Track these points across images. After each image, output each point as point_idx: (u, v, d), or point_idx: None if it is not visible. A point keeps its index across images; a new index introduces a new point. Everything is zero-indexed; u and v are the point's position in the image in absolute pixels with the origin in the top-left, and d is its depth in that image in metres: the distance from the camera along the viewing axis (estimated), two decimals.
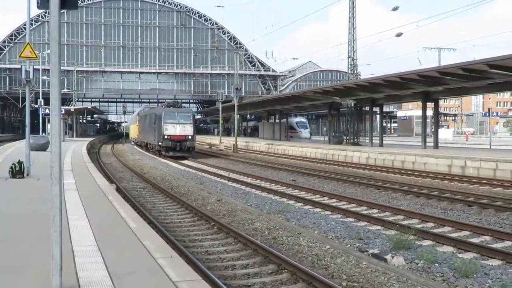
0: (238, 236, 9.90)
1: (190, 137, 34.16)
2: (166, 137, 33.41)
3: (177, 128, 33.81)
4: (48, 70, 4.59)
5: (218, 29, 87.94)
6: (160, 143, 34.01)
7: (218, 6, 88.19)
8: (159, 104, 53.86)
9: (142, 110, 49.58)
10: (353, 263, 8.03)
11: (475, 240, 10.01)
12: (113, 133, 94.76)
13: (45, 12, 73.45)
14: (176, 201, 14.96)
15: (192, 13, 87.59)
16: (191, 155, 34.88)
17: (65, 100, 75.33)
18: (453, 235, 10.43)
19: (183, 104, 51.17)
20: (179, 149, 33.60)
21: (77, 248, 6.66)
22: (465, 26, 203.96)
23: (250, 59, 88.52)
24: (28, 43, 15.07)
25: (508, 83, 24.19)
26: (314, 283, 7.05)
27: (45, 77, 47.08)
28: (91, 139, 52.57)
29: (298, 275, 7.47)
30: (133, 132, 56.44)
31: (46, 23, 76.42)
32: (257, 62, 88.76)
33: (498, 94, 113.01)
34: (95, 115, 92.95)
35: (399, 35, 42.67)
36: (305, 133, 64.07)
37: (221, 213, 13.00)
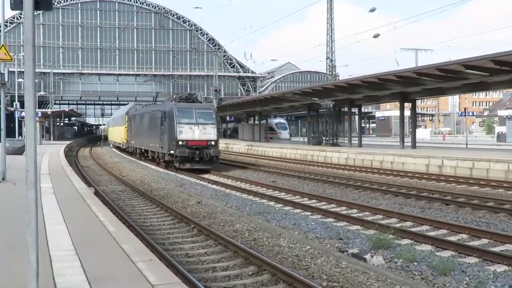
0: (218, 238, 9.87)
1: (213, 143, 25.43)
2: (180, 143, 24.71)
3: (196, 130, 25.21)
4: (24, 72, 4.51)
5: (197, 30, 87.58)
6: (171, 151, 25.17)
7: (196, 8, 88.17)
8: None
9: (132, 108, 40.57)
10: (333, 263, 8.07)
11: (453, 238, 10.15)
12: (91, 136, 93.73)
13: (20, 14, 72.44)
14: (156, 203, 14.86)
15: (170, 15, 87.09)
16: (213, 167, 25.99)
17: (41, 103, 74.14)
18: (431, 233, 10.56)
19: None
20: (198, 159, 24.90)
21: (54, 253, 6.56)
22: (441, 27, 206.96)
23: (229, 61, 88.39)
24: (2, 45, 14.83)
25: (483, 83, 24.60)
26: (295, 283, 7.07)
27: (20, 80, 46.32)
28: (68, 142, 51.94)
29: (278, 276, 7.48)
30: (117, 135, 47.44)
31: (21, 24, 75.24)
32: (236, 64, 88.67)
33: (474, 94, 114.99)
34: (72, 118, 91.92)
35: (376, 36, 43.12)
36: (285, 134, 64.26)
37: (201, 215, 12.95)
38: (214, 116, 26.39)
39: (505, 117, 65.58)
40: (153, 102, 36.89)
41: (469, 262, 8.34)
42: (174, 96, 30.37)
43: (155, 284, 5.28)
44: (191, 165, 24.90)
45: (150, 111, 30.77)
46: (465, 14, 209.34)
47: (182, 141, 24.82)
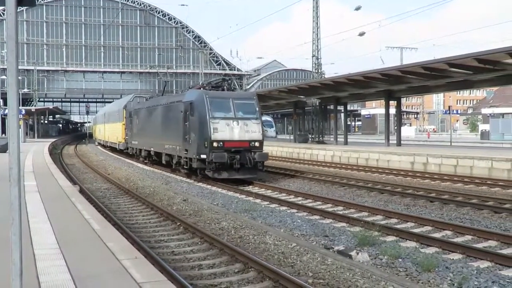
0: (204, 236, 9.86)
1: (257, 144, 19.38)
2: (215, 144, 18.66)
3: (235, 127, 19.15)
4: (7, 69, 4.46)
5: (182, 28, 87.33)
6: (202, 156, 18.88)
7: (182, 5, 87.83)
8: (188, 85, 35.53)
9: (132, 101, 33.54)
10: (319, 260, 8.10)
11: (437, 235, 10.24)
12: (76, 134, 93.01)
13: (3, 10, 71.59)
14: (142, 201, 14.79)
15: (156, 12, 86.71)
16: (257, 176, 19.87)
17: (25, 100, 73.44)
18: (416, 230, 10.64)
19: None
20: (239, 166, 18.78)
21: (38, 252, 6.50)
22: (426, 26, 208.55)
23: (215, 58, 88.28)
24: None
25: (467, 81, 24.86)
26: (281, 281, 7.08)
27: (3, 77, 45.82)
28: (53, 140, 51.43)
29: (264, 273, 7.49)
30: (111, 134, 40.33)
31: (4, 21, 74.34)
32: (222, 61, 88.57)
33: (458, 92, 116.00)
34: (57, 116, 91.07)
35: (362, 34, 43.36)
36: (271, 132, 64.31)
37: (187, 213, 12.91)
38: (257, 108, 20.18)
39: (488, 115, 66.43)
40: (162, 93, 30.79)
41: (453, 259, 8.43)
42: (202, 82, 23.32)
43: (140, 282, 5.26)
44: (230, 174, 18.83)
45: (165, 103, 24.12)
46: (449, 13, 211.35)
47: (218, 142, 18.71)
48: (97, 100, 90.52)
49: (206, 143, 18.80)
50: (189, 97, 20.63)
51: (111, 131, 40.69)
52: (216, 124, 18.88)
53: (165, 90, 34.45)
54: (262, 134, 19.79)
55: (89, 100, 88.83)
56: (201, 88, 21.31)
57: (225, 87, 21.45)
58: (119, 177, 21.98)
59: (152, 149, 26.10)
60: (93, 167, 26.64)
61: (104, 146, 45.94)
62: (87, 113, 78.04)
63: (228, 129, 19.04)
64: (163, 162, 24.05)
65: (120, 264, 5.96)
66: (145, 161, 28.24)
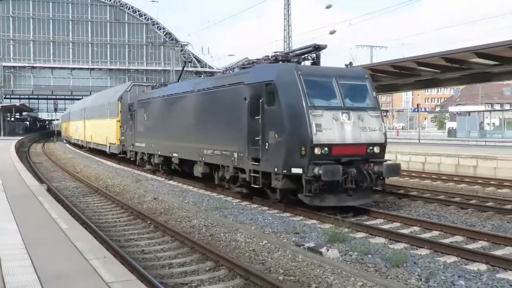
0: (175, 234, 9.80)
1: (377, 150, 12.13)
2: (317, 151, 11.21)
3: (346, 124, 11.75)
4: None
5: (153, 24, 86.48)
6: (295, 170, 11.40)
7: (152, 1, 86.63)
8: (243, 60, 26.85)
9: (129, 91, 26.56)
10: (290, 257, 8.15)
11: (405, 231, 10.40)
12: (44, 131, 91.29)
13: None
14: (111, 200, 14.62)
15: (126, 8, 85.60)
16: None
17: None
18: (385, 226, 10.80)
19: None
20: (354, 185, 11.45)
21: (3, 252, 6.37)
22: (395, 24, 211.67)
23: (186, 55, 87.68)
24: None
25: (435, 79, 25.35)
26: (252, 278, 7.09)
27: None
28: (20, 137, 50.39)
29: (235, 271, 7.49)
30: (97, 133, 32.59)
31: None
32: (194, 59, 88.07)
33: (426, 90, 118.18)
34: (24, 113, 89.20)
35: (332, 32, 43.61)
36: None
37: (158, 211, 12.83)
38: (374, 93, 12.89)
39: (455, 113, 67.81)
40: (178, 79, 24.42)
41: (420, 254, 8.58)
42: (273, 53, 14.30)
43: (109, 281, 5.20)
44: (338, 199, 11.66)
45: (206, 88, 16.24)
46: (417, 12, 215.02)
47: (322, 146, 11.35)
48: (66, 97, 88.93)
49: (303, 149, 11.35)
50: (262, 74, 12.97)
51: (96, 129, 33.00)
52: (319, 118, 11.53)
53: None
54: (385, 134, 12.52)
55: (57, 97, 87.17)
56: (282, 61, 13.47)
57: (315, 61, 13.54)
58: (88, 175, 21.66)
59: (175, 155, 18.55)
60: (61, 166, 26.18)
61: (81, 147, 40.10)
62: (55, 110, 76.57)
63: (337, 126, 11.71)
64: (197, 174, 16.82)
65: (89, 263, 5.88)
66: (153, 169, 21.58)
